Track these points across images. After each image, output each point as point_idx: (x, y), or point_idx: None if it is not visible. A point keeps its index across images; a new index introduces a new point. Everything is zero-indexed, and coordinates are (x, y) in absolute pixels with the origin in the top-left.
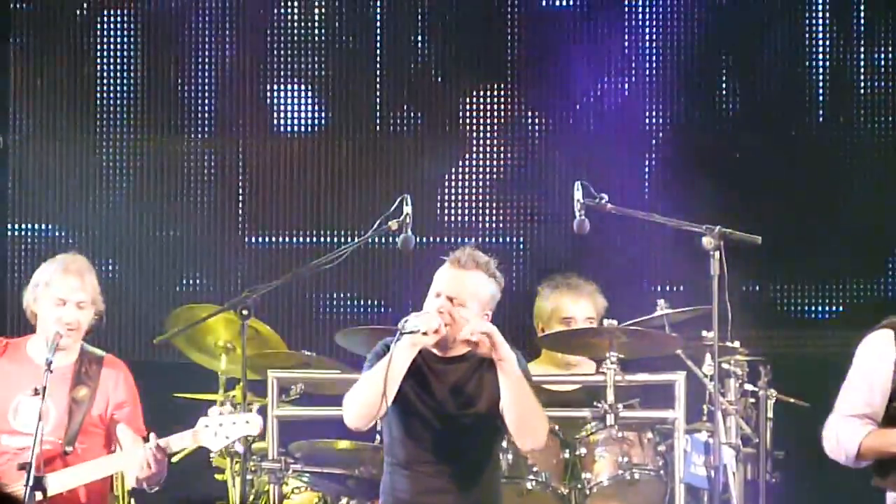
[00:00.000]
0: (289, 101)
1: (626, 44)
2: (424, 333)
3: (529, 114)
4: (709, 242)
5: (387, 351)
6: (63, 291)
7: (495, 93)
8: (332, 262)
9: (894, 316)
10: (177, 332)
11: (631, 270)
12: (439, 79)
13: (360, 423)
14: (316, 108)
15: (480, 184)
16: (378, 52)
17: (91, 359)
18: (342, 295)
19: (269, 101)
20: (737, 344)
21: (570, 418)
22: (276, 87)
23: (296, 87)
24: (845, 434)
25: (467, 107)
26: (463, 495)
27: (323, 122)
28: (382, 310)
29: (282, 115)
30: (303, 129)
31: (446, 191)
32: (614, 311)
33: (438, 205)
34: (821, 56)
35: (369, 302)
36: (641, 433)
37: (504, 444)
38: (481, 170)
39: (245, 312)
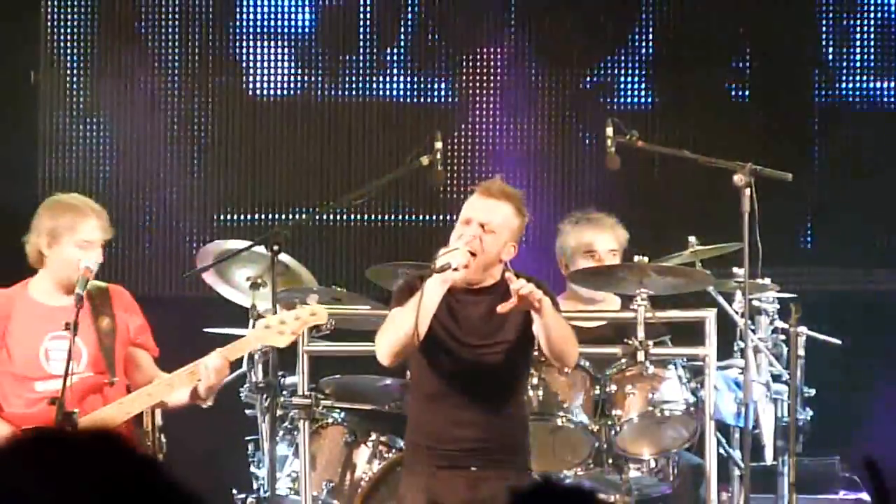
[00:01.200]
0: (265, 62)
1: None
2: (455, 269)
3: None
4: (740, 179)
5: (412, 286)
6: (88, 234)
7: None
8: (364, 196)
9: None
10: (207, 267)
11: (662, 207)
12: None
13: (392, 360)
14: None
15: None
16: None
17: (97, 292)
18: (373, 230)
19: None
20: (767, 281)
21: (601, 355)
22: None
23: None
24: None
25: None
26: (490, 427)
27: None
28: (411, 243)
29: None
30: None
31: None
32: (645, 248)
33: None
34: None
35: (400, 236)
36: (672, 370)
37: (535, 380)
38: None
39: (276, 247)
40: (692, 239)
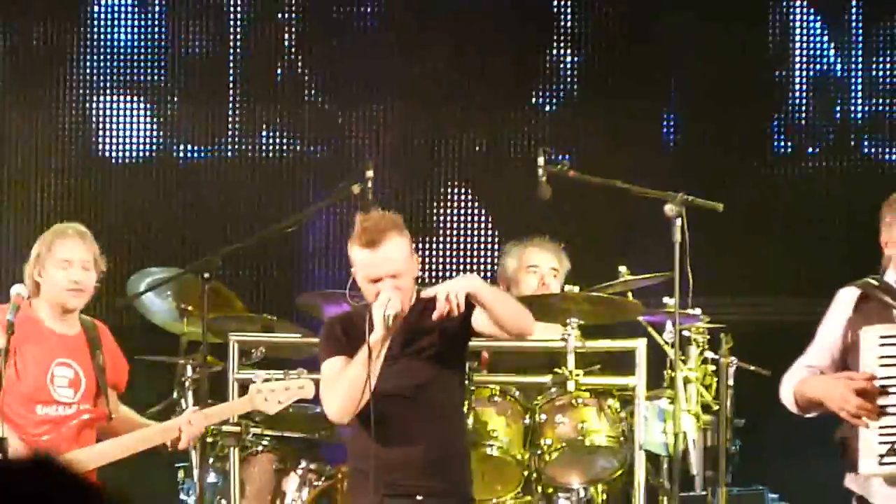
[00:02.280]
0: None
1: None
2: (397, 316)
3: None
4: (671, 209)
5: (336, 335)
6: (66, 252)
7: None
8: (294, 224)
9: (874, 275)
10: (139, 294)
11: (592, 236)
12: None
13: (345, 417)
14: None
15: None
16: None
17: (89, 325)
18: (304, 258)
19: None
20: (698, 311)
21: (531, 384)
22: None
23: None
24: (786, 380)
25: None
26: (431, 445)
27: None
28: (342, 273)
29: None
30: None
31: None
32: (576, 278)
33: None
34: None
35: (329, 266)
36: (601, 400)
37: (464, 408)
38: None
39: (206, 275)
40: (623, 268)
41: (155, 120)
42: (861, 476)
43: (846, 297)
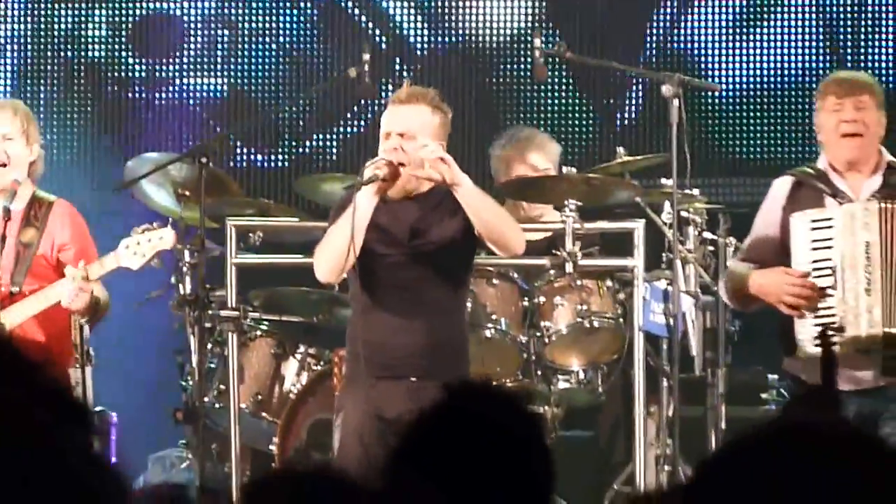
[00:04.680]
0: None
1: None
2: (384, 180)
3: None
4: (668, 90)
5: (347, 203)
6: None
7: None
8: (290, 108)
9: (811, 164)
10: (136, 180)
11: (590, 118)
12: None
13: (331, 276)
14: None
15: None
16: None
17: (41, 203)
18: (302, 143)
19: None
20: (696, 192)
21: (530, 266)
22: None
23: None
24: (726, 275)
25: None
26: (430, 332)
27: None
28: (339, 156)
29: None
30: None
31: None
32: (573, 159)
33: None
34: None
35: (327, 148)
36: (600, 281)
37: (465, 301)
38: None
39: (204, 160)
40: (620, 149)
41: None
42: (798, 358)
43: (781, 187)
